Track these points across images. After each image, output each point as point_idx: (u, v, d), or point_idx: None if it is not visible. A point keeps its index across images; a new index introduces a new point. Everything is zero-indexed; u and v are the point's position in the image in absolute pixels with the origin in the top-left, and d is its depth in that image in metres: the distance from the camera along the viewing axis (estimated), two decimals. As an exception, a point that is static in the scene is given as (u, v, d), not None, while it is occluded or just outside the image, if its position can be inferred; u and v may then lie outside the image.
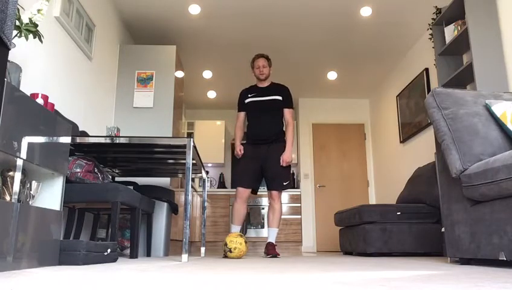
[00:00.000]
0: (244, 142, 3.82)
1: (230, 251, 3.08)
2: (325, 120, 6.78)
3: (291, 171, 6.87)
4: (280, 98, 3.77)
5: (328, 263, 2.29)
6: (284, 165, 3.66)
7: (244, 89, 3.94)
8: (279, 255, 3.53)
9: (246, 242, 3.15)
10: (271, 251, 3.49)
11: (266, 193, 4.98)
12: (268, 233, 3.67)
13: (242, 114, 3.89)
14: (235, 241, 3.10)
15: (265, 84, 3.86)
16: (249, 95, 3.83)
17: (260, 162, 3.69)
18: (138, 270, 1.59)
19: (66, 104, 3.18)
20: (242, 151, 3.74)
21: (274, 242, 3.60)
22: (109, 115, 4.12)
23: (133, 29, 4.68)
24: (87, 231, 3.44)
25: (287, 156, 3.67)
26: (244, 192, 3.66)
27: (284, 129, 3.82)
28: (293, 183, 6.78)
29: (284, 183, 3.67)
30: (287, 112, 3.81)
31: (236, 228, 3.65)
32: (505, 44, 3.24)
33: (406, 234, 3.70)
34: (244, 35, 4.82)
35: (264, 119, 3.73)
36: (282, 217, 6.21)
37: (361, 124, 6.80)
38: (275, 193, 3.66)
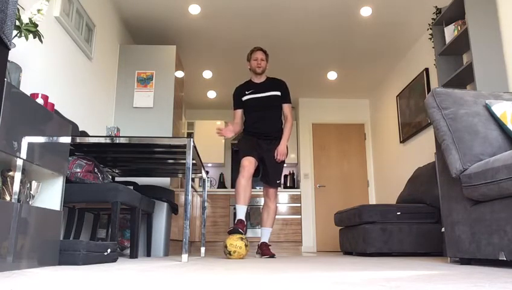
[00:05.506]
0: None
1: (230, 254, 3.06)
2: (325, 120, 6.78)
3: (291, 172, 6.88)
4: (279, 93, 3.65)
5: (328, 263, 2.29)
6: (280, 158, 3.54)
7: (239, 86, 3.76)
8: (275, 255, 3.47)
9: (246, 245, 3.07)
10: (266, 251, 3.43)
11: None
12: (262, 233, 3.57)
13: (239, 111, 3.72)
14: (235, 245, 3.03)
15: (262, 79, 3.71)
16: (246, 92, 3.66)
17: (260, 153, 3.55)
18: (138, 271, 1.59)
19: (66, 104, 3.18)
20: (229, 132, 3.57)
21: (268, 242, 3.53)
22: (109, 115, 4.12)
23: (133, 29, 4.68)
24: (87, 231, 3.44)
25: (282, 149, 3.55)
26: (250, 164, 3.38)
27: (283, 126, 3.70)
28: (293, 183, 6.78)
29: (278, 181, 3.60)
30: (286, 108, 3.69)
31: (242, 209, 3.31)
32: (505, 44, 3.24)
33: (406, 234, 3.70)
34: (244, 36, 4.82)
35: (264, 116, 3.61)
36: (282, 217, 6.21)
37: (361, 124, 6.80)
38: (271, 190, 3.59)
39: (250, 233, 6.09)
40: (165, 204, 3.76)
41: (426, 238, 3.69)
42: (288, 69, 5.71)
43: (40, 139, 1.80)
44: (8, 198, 1.69)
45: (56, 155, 1.94)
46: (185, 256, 2.49)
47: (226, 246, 3.08)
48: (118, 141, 2.60)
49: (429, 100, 2.28)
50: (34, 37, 2.05)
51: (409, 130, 5.12)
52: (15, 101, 1.60)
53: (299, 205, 6.31)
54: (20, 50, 2.50)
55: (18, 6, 2.26)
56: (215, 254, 4.56)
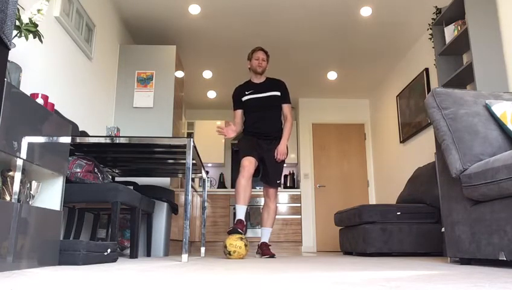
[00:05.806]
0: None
1: (230, 254, 3.06)
2: (325, 120, 6.78)
3: (291, 172, 6.88)
4: (278, 93, 3.66)
5: (328, 263, 2.29)
6: (280, 157, 3.54)
7: (238, 86, 3.77)
8: (275, 255, 3.48)
9: (246, 245, 3.07)
10: (266, 251, 3.43)
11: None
12: (262, 233, 3.58)
13: (239, 111, 3.73)
14: (235, 244, 3.02)
15: (262, 79, 3.72)
16: (246, 92, 3.67)
17: (260, 153, 3.55)
18: (138, 270, 1.59)
19: (66, 104, 3.18)
20: (231, 132, 3.56)
21: (268, 242, 3.54)
22: (109, 115, 4.12)
23: (133, 29, 4.68)
24: (87, 231, 3.44)
25: (282, 148, 3.56)
26: (250, 164, 3.38)
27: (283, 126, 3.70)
28: (293, 183, 6.78)
29: (278, 181, 3.60)
30: (286, 108, 3.70)
31: (242, 209, 3.31)
32: (505, 44, 3.24)
33: (406, 234, 3.70)
34: (244, 35, 4.82)
35: (264, 116, 3.62)
36: (282, 217, 6.21)
37: (361, 124, 6.80)
38: (272, 190, 3.60)
39: (250, 233, 6.09)
40: (165, 204, 3.76)
41: (426, 238, 3.69)
42: (288, 69, 5.71)
43: (40, 139, 1.80)
44: (8, 198, 1.69)
45: (56, 155, 1.94)
46: (185, 256, 2.49)
47: (225, 246, 3.08)
48: (118, 141, 2.60)
49: (429, 100, 2.28)
50: (34, 37, 2.05)
51: (409, 130, 5.12)
52: (15, 101, 1.60)
53: (299, 205, 6.31)
54: (20, 50, 2.50)
55: (18, 6, 2.26)
56: (215, 254, 4.56)
